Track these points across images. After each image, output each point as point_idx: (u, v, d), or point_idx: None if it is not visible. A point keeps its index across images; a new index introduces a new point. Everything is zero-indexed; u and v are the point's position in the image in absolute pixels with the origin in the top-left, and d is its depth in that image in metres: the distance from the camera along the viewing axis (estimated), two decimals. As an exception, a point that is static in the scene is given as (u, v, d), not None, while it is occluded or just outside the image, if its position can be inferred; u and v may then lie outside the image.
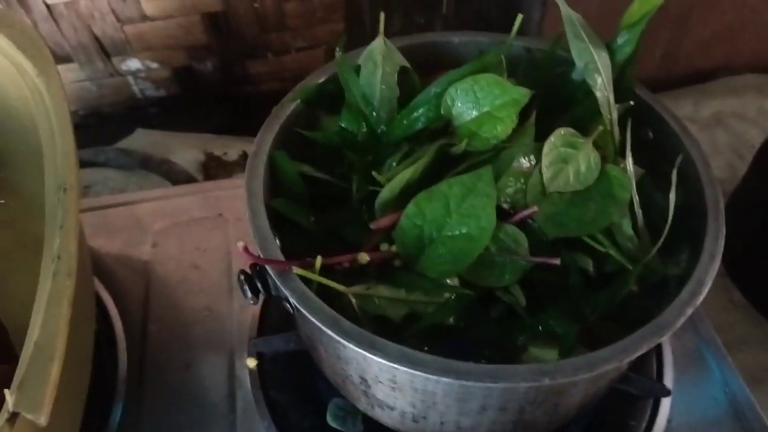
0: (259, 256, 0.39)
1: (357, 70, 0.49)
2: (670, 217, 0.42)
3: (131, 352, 0.57)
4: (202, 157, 0.88)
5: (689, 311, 0.38)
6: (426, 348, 0.38)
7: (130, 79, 0.92)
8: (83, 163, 0.88)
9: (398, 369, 0.36)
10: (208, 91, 0.96)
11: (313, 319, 0.36)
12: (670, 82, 1.02)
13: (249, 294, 0.40)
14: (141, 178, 0.86)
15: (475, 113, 0.44)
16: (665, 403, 0.55)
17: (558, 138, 0.42)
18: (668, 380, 0.57)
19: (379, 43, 0.49)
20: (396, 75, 0.49)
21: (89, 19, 0.83)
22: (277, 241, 0.42)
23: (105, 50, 0.87)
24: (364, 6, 0.88)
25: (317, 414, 0.53)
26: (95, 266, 0.63)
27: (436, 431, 0.44)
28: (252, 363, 0.56)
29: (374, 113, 0.48)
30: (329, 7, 0.89)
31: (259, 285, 0.40)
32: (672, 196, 0.43)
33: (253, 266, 0.41)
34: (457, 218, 0.41)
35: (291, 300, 0.37)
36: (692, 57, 1.01)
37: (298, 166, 0.46)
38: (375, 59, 0.49)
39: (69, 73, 0.89)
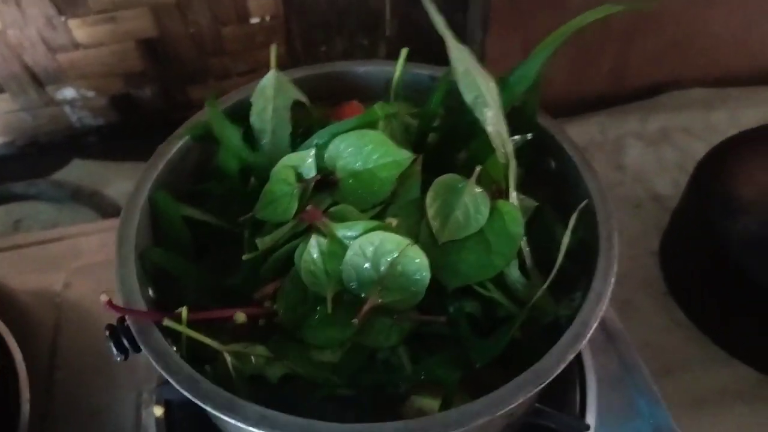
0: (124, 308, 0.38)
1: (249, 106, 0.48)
2: (560, 259, 0.40)
3: (35, 401, 0.55)
4: (138, 187, 0.86)
5: (570, 356, 0.36)
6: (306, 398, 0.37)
7: (67, 108, 0.90)
8: (15, 197, 0.86)
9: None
10: (149, 117, 0.94)
11: (170, 380, 0.34)
12: (618, 97, 1.01)
13: (115, 351, 0.38)
14: (74, 212, 0.84)
15: (358, 168, 0.42)
16: (586, 439, 0.53)
17: (439, 186, 0.41)
18: (591, 413, 0.55)
19: (270, 77, 0.47)
20: (289, 110, 0.47)
21: (18, 48, 0.81)
22: (151, 293, 0.40)
23: (38, 79, 0.85)
24: (293, 29, 0.87)
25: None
26: (5, 309, 0.61)
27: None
28: (158, 411, 0.54)
29: (261, 156, 0.46)
30: (269, 30, 0.88)
31: (125, 341, 0.38)
32: (565, 239, 0.41)
33: (120, 320, 0.39)
34: None
35: (149, 358, 0.35)
36: (640, 72, 1.00)
37: (182, 209, 0.44)
38: (266, 94, 0.47)
39: (2, 103, 0.87)
